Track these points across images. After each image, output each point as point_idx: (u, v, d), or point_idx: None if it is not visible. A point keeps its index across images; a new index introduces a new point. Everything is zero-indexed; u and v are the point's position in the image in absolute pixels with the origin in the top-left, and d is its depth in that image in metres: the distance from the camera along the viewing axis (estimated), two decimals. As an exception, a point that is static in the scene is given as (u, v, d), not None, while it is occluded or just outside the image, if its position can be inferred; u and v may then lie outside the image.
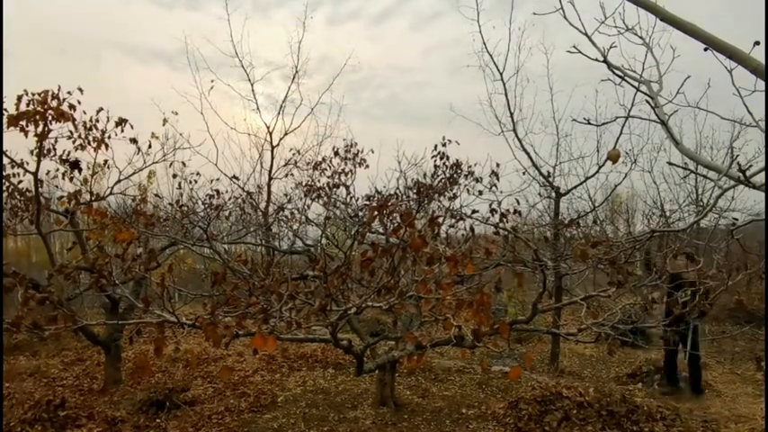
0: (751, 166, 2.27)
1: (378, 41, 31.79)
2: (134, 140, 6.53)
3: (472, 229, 4.25)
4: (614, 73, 2.89)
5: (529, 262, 4.63)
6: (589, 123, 3.40)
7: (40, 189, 5.70)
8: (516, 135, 8.62)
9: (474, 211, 5.91)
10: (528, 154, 8.62)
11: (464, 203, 6.84)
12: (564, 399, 5.50)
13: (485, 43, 8.47)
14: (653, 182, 11.60)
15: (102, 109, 6.02)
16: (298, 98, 10.14)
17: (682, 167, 4.31)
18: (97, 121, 6.01)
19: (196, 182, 7.19)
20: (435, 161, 6.85)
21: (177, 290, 4.57)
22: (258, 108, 9.98)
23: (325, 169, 7.50)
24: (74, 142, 5.92)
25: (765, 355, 7.82)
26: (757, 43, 2.12)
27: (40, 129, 5.13)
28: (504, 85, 8.54)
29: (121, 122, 6.13)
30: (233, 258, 4.80)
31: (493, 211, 4.80)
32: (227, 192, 7.28)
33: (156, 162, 6.99)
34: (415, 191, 6.71)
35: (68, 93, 5.27)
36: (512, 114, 8.58)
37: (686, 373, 6.91)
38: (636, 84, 2.86)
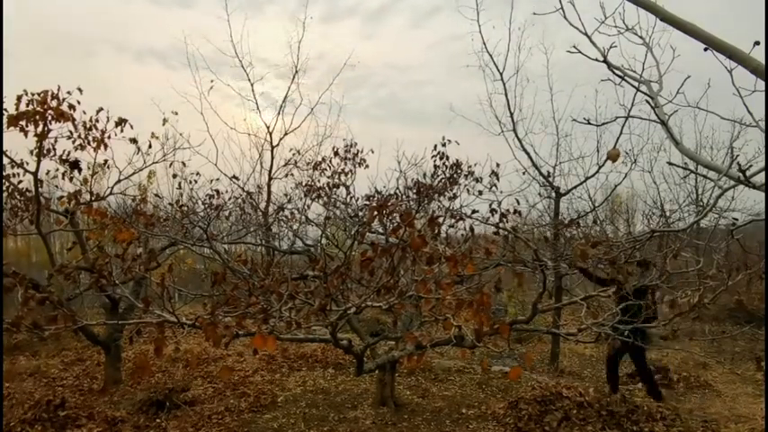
0: (751, 166, 2.27)
1: (375, 39, 31.75)
2: (134, 140, 6.54)
3: (472, 229, 4.26)
4: (614, 73, 2.89)
5: (529, 262, 4.63)
6: (589, 123, 3.40)
7: (39, 189, 5.71)
8: (516, 135, 8.65)
9: (474, 211, 5.91)
10: (528, 154, 8.65)
11: (464, 203, 6.85)
12: (564, 399, 5.50)
13: (484, 43, 8.49)
14: (653, 182, 11.65)
15: (101, 109, 6.04)
16: (297, 98, 10.16)
17: (682, 167, 4.29)
18: (97, 120, 6.02)
19: (196, 182, 7.20)
20: (435, 161, 6.88)
21: (177, 290, 4.57)
22: (258, 108, 9.99)
23: (325, 169, 7.52)
24: (74, 142, 5.93)
25: (765, 355, 7.83)
26: (757, 43, 2.12)
27: (39, 129, 5.13)
28: (504, 84, 8.57)
29: (121, 122, 6.13)
30: (233, 258, 4.79)
31: (493, 211, 4.79)
32: (227, 192, 7.31)
33: (156, 162, 7.02)
34: (414, 191, 6.71)
35: (68, 93, 5.28)
36: (512, 114, 8.61)
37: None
38: (636, 84, 2.86)
